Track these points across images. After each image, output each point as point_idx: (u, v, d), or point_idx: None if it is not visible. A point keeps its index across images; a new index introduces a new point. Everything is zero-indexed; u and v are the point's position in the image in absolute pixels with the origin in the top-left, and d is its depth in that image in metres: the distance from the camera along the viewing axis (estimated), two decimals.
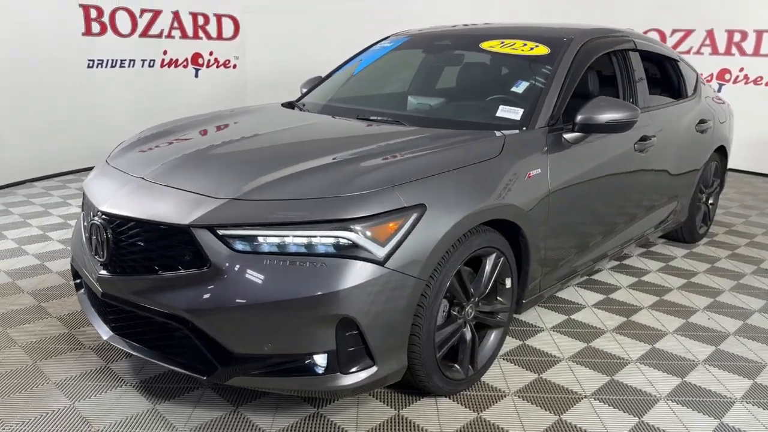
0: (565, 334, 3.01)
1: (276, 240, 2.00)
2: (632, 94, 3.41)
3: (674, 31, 6.39)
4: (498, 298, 2.57)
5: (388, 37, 3.91)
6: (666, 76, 4.18)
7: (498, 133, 2.66)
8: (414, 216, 2.10)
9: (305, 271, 1.97)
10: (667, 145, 3.61)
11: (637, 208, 3.49)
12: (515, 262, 2.60)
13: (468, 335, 2.43)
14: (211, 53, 6.74)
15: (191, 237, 2.03)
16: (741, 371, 2.72)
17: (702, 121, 4.07)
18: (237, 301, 1.98)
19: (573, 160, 2.83)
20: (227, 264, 2.00)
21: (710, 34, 6.35)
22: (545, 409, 2.39)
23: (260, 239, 2.01)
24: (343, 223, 2.01)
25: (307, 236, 2.00)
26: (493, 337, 2.59)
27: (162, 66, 6.46)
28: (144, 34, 6.26)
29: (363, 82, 3.74)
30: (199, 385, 2.49)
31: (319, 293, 1.95)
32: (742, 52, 6.26)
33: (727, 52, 6.26)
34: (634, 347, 2.89)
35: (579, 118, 2.74)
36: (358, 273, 1.99)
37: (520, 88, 3.02)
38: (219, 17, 6.64)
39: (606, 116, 2.72)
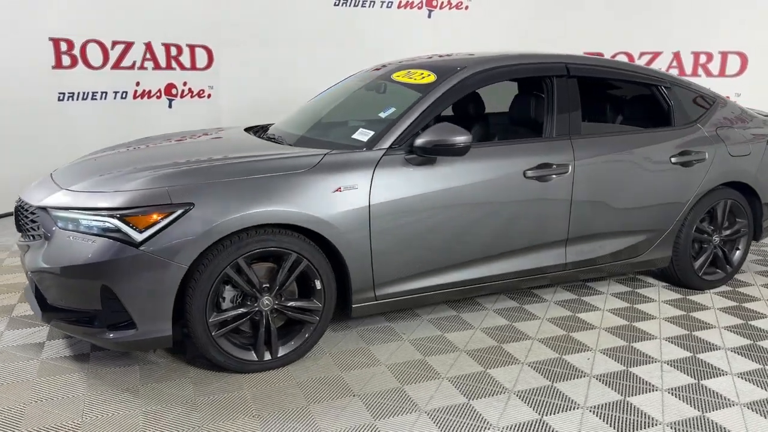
0: None
1: (72, 220, 2.59)
2: (551, 119, 3.34)
3: (642, 54, 6.47)
4: (312, 298, 2.81)
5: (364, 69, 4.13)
6: (642, 102, 3.97)
7: (321, 152, 2.90)
8: (179, 211, 2.52)
9: (84, 245, 2.53)
10: (604, 174, 3.40)
11: (532, 238, 3.30)
12: (330, 268, 2.81)
13: (263, 323, 2.74)
14: (185, 83, 6.72)
15: (39, 215, 2.75)
16: None
17: (685, 153, 3.65)
18: (46, 264, 2.59)
19: (413, 180, 2.90)
20: (50, 236, 2.64)
21: (677, 56, 6.41)
22: None
23: (65, 219, 2.61)
24: (111, 211, 2.54)
25: (89, 219, 2.56)
26: (302, 331, 2.86)
27: (135, 97, 6.45)
28: (116, 66, 6.26)
29: (316, 109, 3.89)
30: None
31: (86, 263, 2.50)
32: (708, 73, 6.32)
33: (694, 73, 6.37)
34: None
35: (415, 141, 2.89)
36: (114, 251, 2.49)
37: (386, 113, 3.16)
38: (192, 48, 6.67)
39: (432, 139, 2.85)
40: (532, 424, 2.42)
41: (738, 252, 3.99)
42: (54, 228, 2.60)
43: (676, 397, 2.63)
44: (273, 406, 2.48)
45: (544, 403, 2.56)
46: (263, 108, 5.86)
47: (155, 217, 2.46)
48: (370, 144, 2.95)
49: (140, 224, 2.44)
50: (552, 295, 3.78)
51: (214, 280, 2.56)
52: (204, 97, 6.90)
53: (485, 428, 2.39)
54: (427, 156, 2.90)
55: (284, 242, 2.66)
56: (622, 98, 4.23)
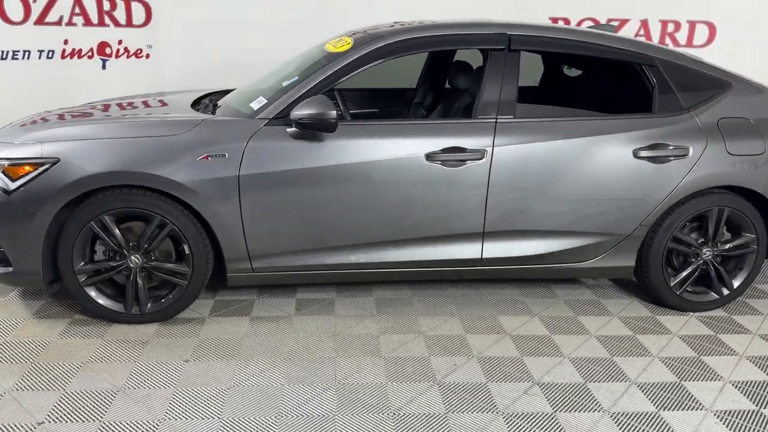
0: None
1: None
2: (479, 98, 2.99)
3: (609, 20, 5.75)
4: (182, 261, 2.90)
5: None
6: (615, 83, 3.45)
7: (200, 117, 2.91)
8: (46, 165, 2.67)
9: None
10: (534, 165, 2.94)
11: (440, 227, 3.01)
12: (203, 233, 2.85)
13: (130, 280, 2.89)
14: (120, 42, 5.86)
15: None
16: None
17: (657, 146, 3.03)
18: None
19: (292, 154, 2.79)
20: None
21: (644, 24, 5.70)
22: None
23: None
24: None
25: None
26: (173, 293, 2.97)
27: (63, 57, 5.67)
28: (40, 21, 5.48)
29: (264, 77, 3.74)
30: None
31: None
32: (676, 43, 5.67)
33: (661, 41, 5.66)
34: None
35: (291, 113, 2.77)
36: None
37: (288, 82, 3.05)
38: (128, 2, 5.79)
39: (299, 113, 2.72)
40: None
41: (741, 273, 3.26)
42: None
43: None
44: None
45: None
46: (209, 72, 5.37)
47: (27, 168, 2.68)
48: (256, 113, 2.88)
49: (13, 174, 2.68)
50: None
51: (78, 233, 2.74)
52: (142, 57, 6.01)
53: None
54: (303, 129, 2.77)
55: (148, 204, 2.75)
56: (589, 77, 3.65)
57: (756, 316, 3.24)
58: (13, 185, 2.67)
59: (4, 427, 2.18)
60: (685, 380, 2.63)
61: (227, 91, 3.72)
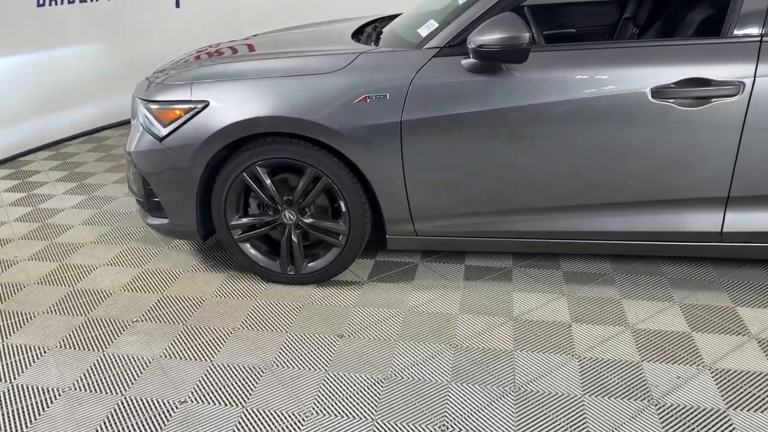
0: None
1: (141, 112, 2.63)
2: (734, 6, 2.14)
3: None
4: (338, 219, 2.55)
5: None
6: None
7: (358, 50, 2.44)
8: (196, 108, 2.42)
9: (137, 136, 2.62)
10: None
11: (659, 191, 2.26)
12: (360, 188, 2.44)
13: (284, 237, 2.60)
14: None
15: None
16: None
17: None
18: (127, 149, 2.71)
19: (465, 92, 2.21)
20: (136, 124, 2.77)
21: None
22: None
23: (139, 110, 2.66)
24: (147, 104, 2.59)
25: (143, 112, 2.61)
26: (330, 253, 2.62)
27: None
28: None
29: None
30: None
31: (130, 152, 2.62)
32: None
33: None
34: None
35: (468, 39, 2.17)
36: (145, 143, 2.56)
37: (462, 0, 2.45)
38: None
39: (479, 38, 2.09)
40: None
41: None
42: (135, 119, 2.77)
43: None
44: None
45: None
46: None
47: (177, 113, 2.44)
48: (424, 41, 2.31)
49: (164, 119, 2.46)
50: None
51: (229, 184, 2.47)
52: None
53: None
54: (484, 60, 2.15)
55: (300, 154, 2.38)
56: None
57: None
58: (164, 131, 2.45)
59: (147, 402, 2.01)
60: None
61: (396, 16, 3.22)
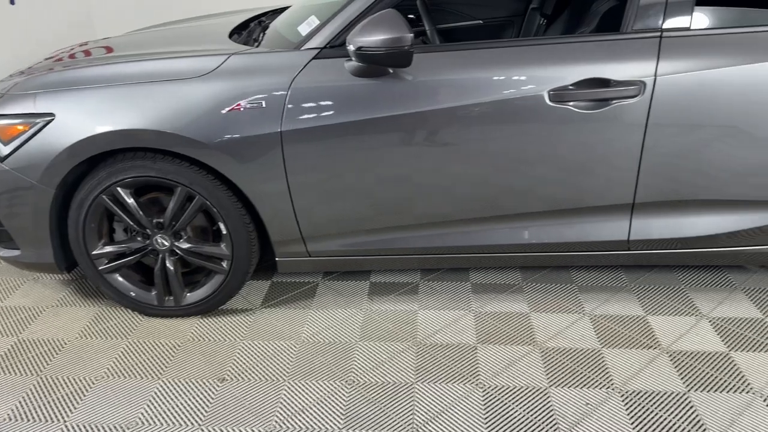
0: None
1: None
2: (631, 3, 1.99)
3: None
4: (220, 243, 2.23)
5: None
6: None
7: (229, 51, 2.12)
8: (40, 123, 2.05)
9: None
10: (717, 102, 1.92)
11: (562, 199, 2.09)
12: (241, 208, 2.15)
13: (158, 265, 2.29)
14: None
15: None
16: None
17: None
18: None
19: (351, 97, 1.96)
20: None
21: None
22: None
23: None
24: None
25: None
26: (212, 281, 2.33)
27: None
28: None
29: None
30: None
31: None
32: None
33: None
34: None
35: (347, 40, 1.90)
36: None
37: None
38: None
39: (357, 39, 1.84)
40: None
41: None
42: None
43: None
44: None
45: None
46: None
47: (19, 128, 2.06)
48: (304, 41, 2.04)
49: (5, 135, 2.08)
50: None
51: (87, 209, 2.13)
52: None
53: None
54: (365, 63, 1.90)
55: (168, 172, 2.07)
56: None
57: None
58: (5, 149, 2.08)
59: None
60: None
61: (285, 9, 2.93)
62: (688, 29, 1.91)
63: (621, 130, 1.94)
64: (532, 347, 2.11)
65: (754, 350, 2.04)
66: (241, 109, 1.97)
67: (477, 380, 1.96)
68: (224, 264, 2.23)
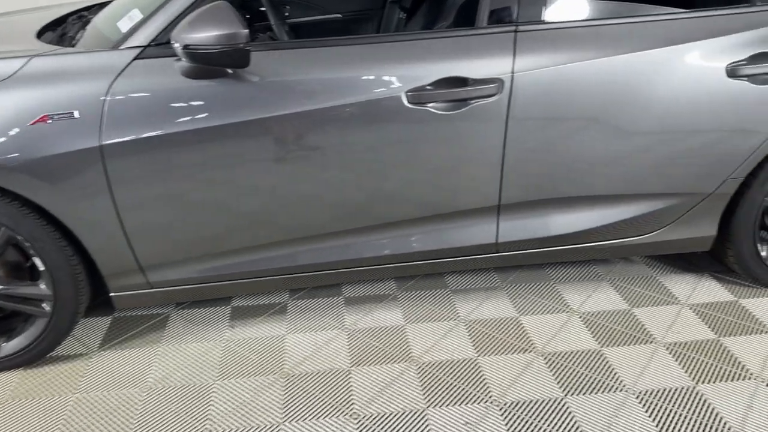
0: None
1: None
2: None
3: None
4: (38, 281, 1.85)
5: None
6: None
7: (30, 52, 1.75)
8: None
9: None
10: (579, 98, 1.89)
11: (428, 205, 1.96)
12: (60, 238, 1.79)
13: None
14: None
15: None
16: None
17: (760, 57, 2.03)
18: None
19: (182, 103, 1.68)
20: None
21: None
22: None
23: None
24: None
25: None
26: (33, 327, 1.95)
27: None
28: None
29: None
30: None
31: None
32: None
33: None
34: None
35: (173, 38, 1.63)
36: None
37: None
38: None
39: (185, 36, 1.58)
40: None
41: None
42: None
43: None
44: None
45: None
46: None
47: None
48: (123, 39, 1.74)
49: None
50: None
51: None
52: None
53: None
54: (196, 63, 1.63)
55: None
56: None
57: None
58: None
59: None
60: None
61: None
62: (542, 22, 1.86)
63: (482, 131, 1.84)
64: (408, 364, 1.98)
65: (624, 344, 2.05)
66: (49, 121, 1.63)
67: (351, 410, 1.78)
68: (46, 306, 1.86)
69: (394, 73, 1.77)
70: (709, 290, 2.33)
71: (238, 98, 1.70)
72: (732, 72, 1.89)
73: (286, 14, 3.02)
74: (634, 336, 2.08)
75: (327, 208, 1.90)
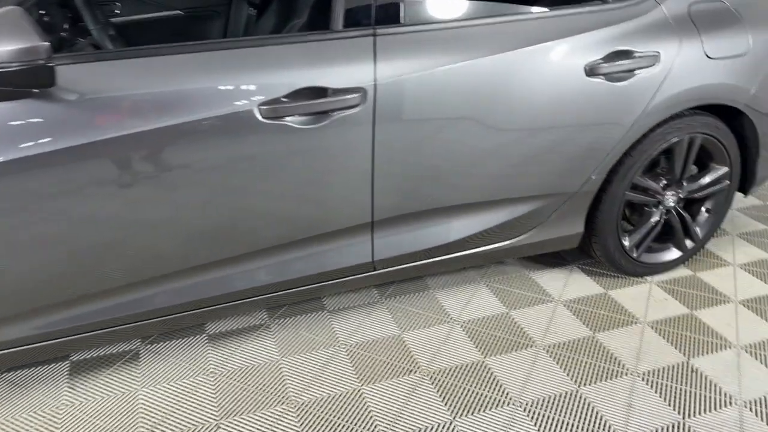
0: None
1: None
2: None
3: None
4: None
5: None
6: None
7: None
8: None
9: None
10: (442, 105, 1.79)
11: (283, 231, 1.76)
12: None
13: None
14: None
15: None
16: None
17: (617, 56, 1.95)
18: None
19: None
20: None
21: None
22: None
23: None
24: None
25: None
26: None
27: None
28: None
29: None
30: None
31: None
32: None
33: None
34: None
35: None
36: None
37: None
38: None
39: None
40: None
41: (707, 218, 2.46)
42: None
43: None
44: None
45: None
46: None
47: None
48: None
49: None
50: None
51: None
52: None
53: None
54: None
55: None
56: None
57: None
58: None
59: None
60: None
61: None
62: (402, 25, 1.73)
63: (347, 145, 1.68)
64: (287, 406, 1.77)
65: (506, 351, 2.01)
66: None
67: None
68: None
69: (243, 84, 1.54)
70: (580, 284, 2.38)
71: (50, 122, 1.38)
72: (591, 71, 1.90)
73: (116, 11, 2.63)
74: (515, 342, 2.06)
75: (179, 241, 1.63)
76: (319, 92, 1.59)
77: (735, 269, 2.46)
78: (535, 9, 1.96)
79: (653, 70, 1.96)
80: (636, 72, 1.94)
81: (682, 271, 2.45)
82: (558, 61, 1.86)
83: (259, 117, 1.55)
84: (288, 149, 1.62)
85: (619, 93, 1.95)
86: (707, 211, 2.41)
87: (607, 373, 1.91)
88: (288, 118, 1.58)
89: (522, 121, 1.87)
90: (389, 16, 1.70)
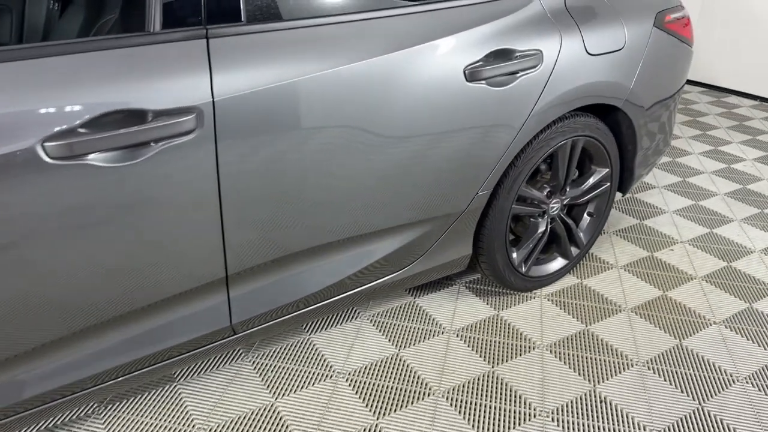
0: None
1: None
2: None
3: None
4: None
5: None
6: None
7: None
8: None
9: None
10: (308, 117, 1.34)
11: (111, 302, 1.30)
12: None
13: None
14: None
15: None
16: None
17: (498, 55, 1.71)
18: None
19: None
20: None
21: None
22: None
23: None
24: None
25: None
26: None
27: None
28: None
29: None
30: None
31: None
32: None
33: None
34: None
35: None
36: None
37: None
38: None
39: None
40: None
41: (590, 222, 2.36)
42: None
43: None
44: None
45: None
46: None
47: None
48: None
49: None
50: None
51: None
52: None
53: None
54: None
55: None
56: None
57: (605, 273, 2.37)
58: None
59: None
60: None
61: None
62: (242, 24, 1.35)
63: (182, 185, 1.26)
64: None
65: (401, 406, 1.70)
66: None
67: None
68: None
69: (20, 112, 1.08)
70: (470, 307, 2.15)
71: None
72: (470, 75, 1.65)
73: None
74: (411, 391, 1.76)
75: None
76: (135, 116, 1.16)
77: (619, 272, 2.39)
78: (402, 2, 1.67)
79: (536, 70, 1.76)
80: (519, 74, 1.73)
81: (569, 280, 2.33)
82: (433, 67, 1.57)
83: (45, 157, 1.10)
84: (96, 199, 1.17)
85: (503, 99, 1.72)
86: (589, 215, 2.32)
87: (515, 416, 1.69)
88: (90, 156, 1.14)
89: (398, 140, 1.56)
90: (225, 12, 1.31)
